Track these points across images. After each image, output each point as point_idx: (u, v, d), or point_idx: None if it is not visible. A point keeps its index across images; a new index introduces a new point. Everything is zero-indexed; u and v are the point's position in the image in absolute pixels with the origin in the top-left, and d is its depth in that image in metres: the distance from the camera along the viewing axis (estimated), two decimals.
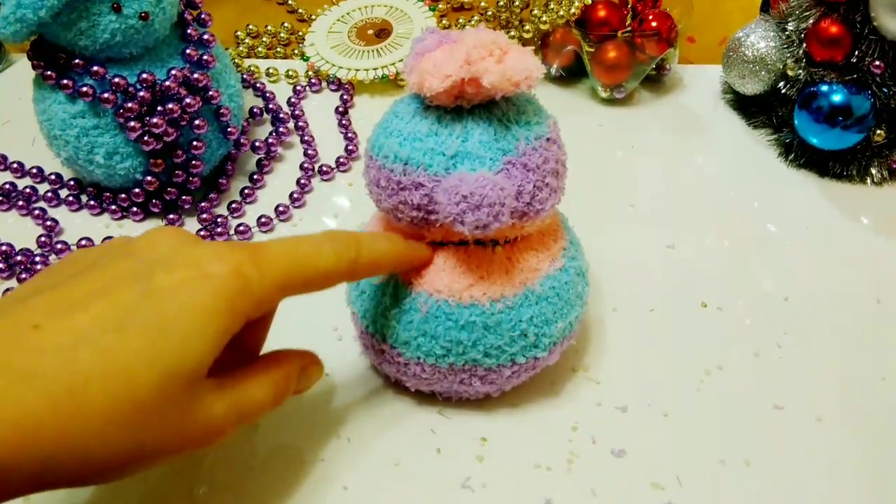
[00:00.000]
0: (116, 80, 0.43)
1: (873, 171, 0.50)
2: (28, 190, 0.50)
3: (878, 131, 0.49)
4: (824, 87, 0.48)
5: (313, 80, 0.59)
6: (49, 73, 0.44)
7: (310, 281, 0.28)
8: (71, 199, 0.50)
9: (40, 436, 0.22)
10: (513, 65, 0.29)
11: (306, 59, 0.61)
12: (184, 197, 0.48)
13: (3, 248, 0.45)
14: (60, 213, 0.49)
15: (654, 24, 0.55)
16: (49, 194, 0.50)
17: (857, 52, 0.48)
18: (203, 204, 0.48)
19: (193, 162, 0.47)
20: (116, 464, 0.24)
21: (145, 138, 0.44)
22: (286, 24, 0.66)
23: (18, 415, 0.22)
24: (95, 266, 0.26)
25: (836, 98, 0.48)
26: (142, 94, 0.44)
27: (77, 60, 0.44)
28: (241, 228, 0.47)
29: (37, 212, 0.48)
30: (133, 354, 0.24)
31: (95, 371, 0.23)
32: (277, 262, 0.27)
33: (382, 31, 0.62)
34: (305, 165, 0.52)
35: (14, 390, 0.22)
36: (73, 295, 0.25)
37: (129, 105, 0.43)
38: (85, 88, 0.43)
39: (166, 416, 0.24)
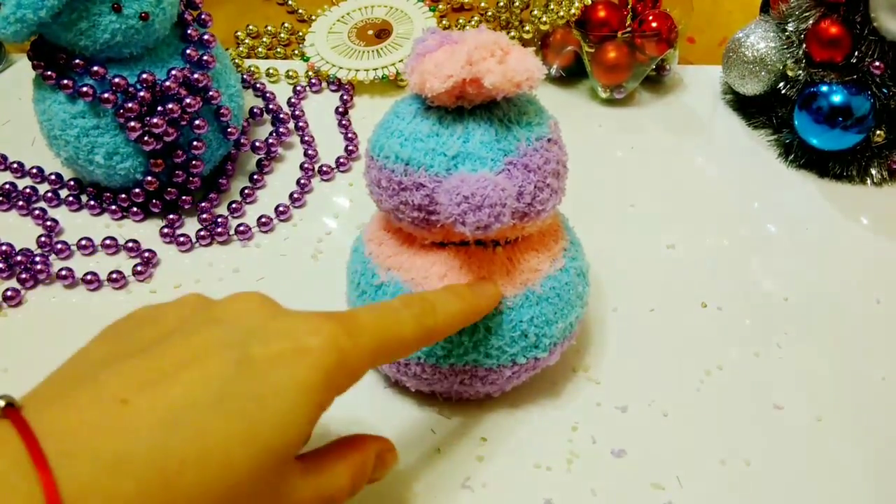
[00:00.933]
0: (117, 80, 0.43)
1: (873, 171, 0.50)
2: (28, 190, 0.50)
3: (878, 132, 0.49)
4: (824, 88, 0.48)
5: (313, 81, 0.59)
6: (49, 73, 0.44)
7: (394, 350, 0.28)
8: (71, 199, 0.50)
9: None
10: (514, 65, 0.29)
11: (306, 60, 0.61)
12: (184, 197, 0.48)
13: (3, 248, 0.45)
14: (60, 213, 0.49)
15: (654, 24, 0.55)
16: (49, 194, 0.50)
17: (856, 53, 0.48)
18: (203, 204, 0.48)
19: (193, 162, 0.47)
20: None
21: (145, 138, 0.44)
22: (286, 25, 0.66)
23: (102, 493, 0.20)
24: (181, 332, 0.24)
25: (836, 98, 0.48)
26: (142, 94, 0.44)
27: (77, 60, 0.43)
28: (242, 228, 0.47)
29: (37, 212, 0.48)
30: (230, 433, 0.22)
31: (190, 453, 0.21)
32: (368, 334, 0.26)
33: (382, 32, 0.62)
34: (305, 165, 0.52)
35: (104, 479, 0.20)
36: (162, 364, 0.23)
37: (130, 105, 0.43)
38: (85, 88, 0.43)
39: (258, 497, 0.23)
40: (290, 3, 0.70)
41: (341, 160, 0.53)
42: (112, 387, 0.22)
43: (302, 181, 0.51)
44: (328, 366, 0.24)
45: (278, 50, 0.64)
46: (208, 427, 0.22)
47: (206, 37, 0.46)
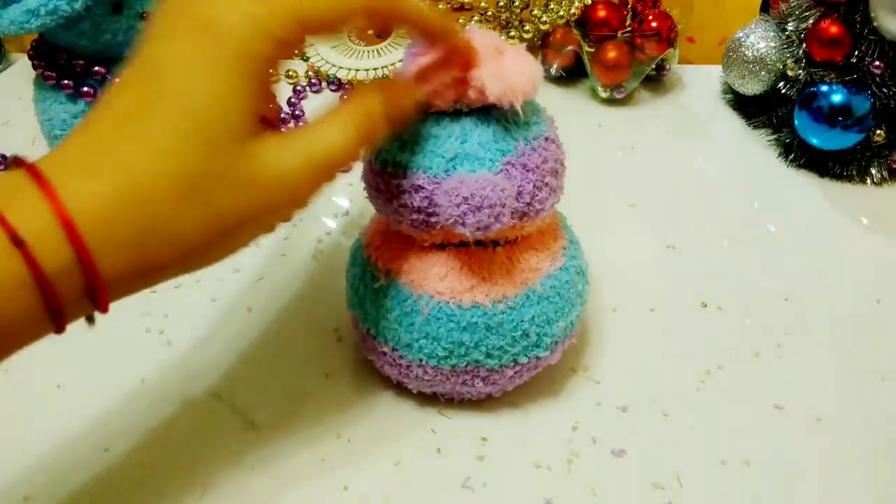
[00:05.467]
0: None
1: (873, 171, 0.50)
2: None
3: (878, 131, 0.49)
4: (824, 88, 0.48)
5: (313, 81, 0.59)
6: (50, 73, 0.44)
7: (327, 18, 0.25)
8: None
9: (118, 221, 0.23)
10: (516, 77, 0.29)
11: (306, 60, 0.61)
12: None
13: None
14: None
15: (653, 24, 0.55)
16: None
17: (856, 53, 0.48)
18: None
19: None
20: (206, 238, 0.24)
21: None
22: None
23: (95, 203, 0.22)
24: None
25: (836, 98, 0.48)
26: None
27: (78, 60, 0.44)
28: None
29: None
30: (169, 133, 0.23)
31: (142, 160, 0.23)
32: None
33: (383, 31, 0.62)
34: None
35: (85, 185, 0.22)
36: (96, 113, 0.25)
37: None
38: (86, 88, 0.43)
39: (230, 176, 0.24)
40: None
41: None
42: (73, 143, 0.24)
43: None
44: (240, 39, 0.24)
45: None
46: (146, 134, 0.23)
47: None
